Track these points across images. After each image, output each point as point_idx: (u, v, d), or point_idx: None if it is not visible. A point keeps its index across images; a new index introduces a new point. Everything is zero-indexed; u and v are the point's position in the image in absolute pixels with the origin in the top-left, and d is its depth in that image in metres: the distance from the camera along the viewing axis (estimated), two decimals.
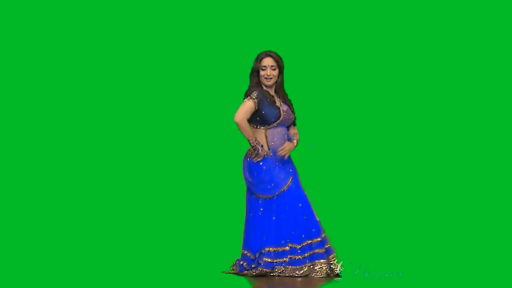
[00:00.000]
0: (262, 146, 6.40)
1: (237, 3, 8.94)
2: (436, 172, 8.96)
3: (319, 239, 6.46)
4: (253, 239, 6.47)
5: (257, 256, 6.41)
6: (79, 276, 6.32)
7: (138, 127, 9.01)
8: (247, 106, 6.34)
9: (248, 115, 6.35)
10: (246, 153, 6.53)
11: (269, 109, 6.39)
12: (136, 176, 8.96)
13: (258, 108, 6.37)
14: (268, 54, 6.43)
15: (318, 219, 6.51)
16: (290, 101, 6.58)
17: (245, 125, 6.33)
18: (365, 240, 7.87)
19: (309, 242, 6.43)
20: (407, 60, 9.00)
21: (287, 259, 6.37)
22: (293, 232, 6.41)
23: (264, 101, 6.38)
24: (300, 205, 6.46)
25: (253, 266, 6.40)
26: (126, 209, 8.75)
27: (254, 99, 6.34)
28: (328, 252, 6.47)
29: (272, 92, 6.49)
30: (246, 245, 6.52)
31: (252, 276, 6.32)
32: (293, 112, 6.55)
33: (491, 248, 7.44)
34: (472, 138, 8.95)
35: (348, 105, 9.00)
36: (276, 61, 6.41)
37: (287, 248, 6.39)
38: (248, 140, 6.39)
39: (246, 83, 6.52)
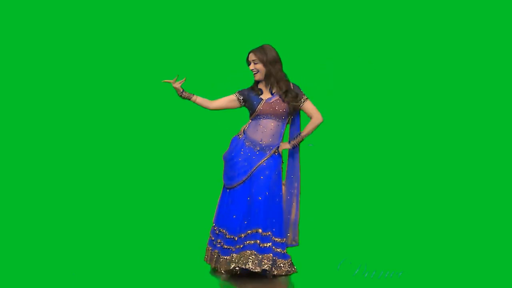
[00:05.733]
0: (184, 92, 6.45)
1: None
2: (435, 171, 8.97)
3: (278, 239, 6.34)
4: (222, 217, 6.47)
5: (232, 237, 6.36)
6: (79, 276, 6.32)
7: (134, 124, 9.04)
8: (228, 96, 6.50)
9: (223, 103, 6.47)
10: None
11: (251, 101, 6.42)
12: (128, 172, 9.00)
13: (245, 100, 6.46)
14: (251, 50, 6.41)
15: (292, 220, 6.46)
16: (292, 91, 6.44)
17: (203, 100, 6.45)
18: (365, 240, 7.86)
19: (249, 232, 6.29)
20: (408, 60, 9.01)
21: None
22: (234, 216, 6.36)
23: (250, 95, 6.43)
24: (260, 198, 6.33)
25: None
26: (121, 207, 8.77)
27: (236, 93, 6.48)
28: (279, 256, 6.33)
29: (262, 85, 6.45)
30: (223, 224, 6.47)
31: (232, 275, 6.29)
32: (288, 102, 6.40)
33: (490, 248, 7.43)
34: (471, 139, 8.96)
35: (348, 104, 9.01)
36: (256, 55, 6.36)
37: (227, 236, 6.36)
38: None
39: (247, 79, 6.52)
